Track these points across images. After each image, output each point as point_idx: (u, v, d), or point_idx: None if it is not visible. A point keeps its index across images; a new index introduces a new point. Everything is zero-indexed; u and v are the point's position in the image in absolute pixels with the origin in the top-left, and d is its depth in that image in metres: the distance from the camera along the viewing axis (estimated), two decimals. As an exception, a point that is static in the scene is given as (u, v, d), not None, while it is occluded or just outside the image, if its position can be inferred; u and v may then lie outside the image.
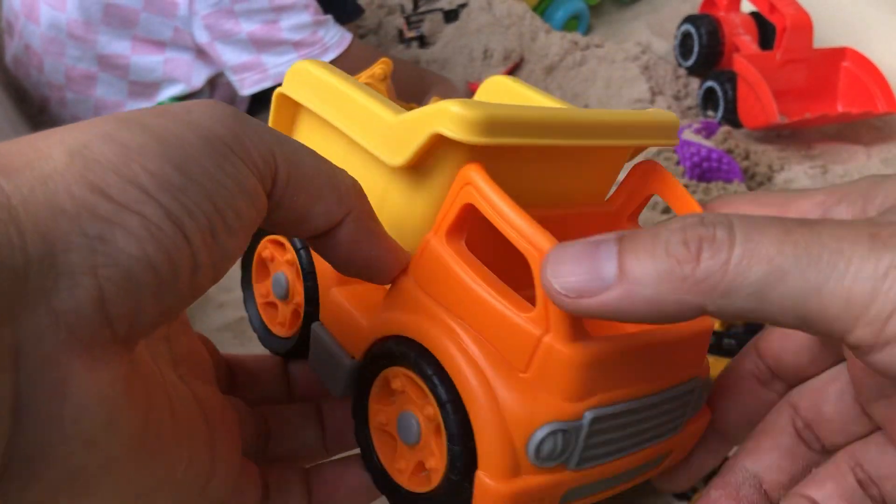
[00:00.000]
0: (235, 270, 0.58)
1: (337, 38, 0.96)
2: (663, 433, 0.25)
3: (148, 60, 0.95)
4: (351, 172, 0.25)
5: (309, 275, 0.28)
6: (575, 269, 0.20)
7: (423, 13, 1.27)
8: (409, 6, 1.30)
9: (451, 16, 1.24)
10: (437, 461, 0.24)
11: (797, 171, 1.00)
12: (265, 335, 0.31)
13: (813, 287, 0.18)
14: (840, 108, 1.05)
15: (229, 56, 0.92)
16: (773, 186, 0.98)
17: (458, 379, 0.23)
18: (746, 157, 1.00)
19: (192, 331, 0.28)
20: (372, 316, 0.26)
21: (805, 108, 1.02)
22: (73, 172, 0.18)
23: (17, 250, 0.17)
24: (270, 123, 0.31)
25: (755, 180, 0.98)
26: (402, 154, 0.24)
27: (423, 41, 1.26)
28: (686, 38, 1.19)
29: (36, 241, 0.17)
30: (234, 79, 0.94)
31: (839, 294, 0.17)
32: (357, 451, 0.27)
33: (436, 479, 0.24)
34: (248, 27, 0.91)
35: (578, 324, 0.22)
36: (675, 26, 1.22)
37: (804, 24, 1.05)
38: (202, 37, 0.93)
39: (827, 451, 0.26)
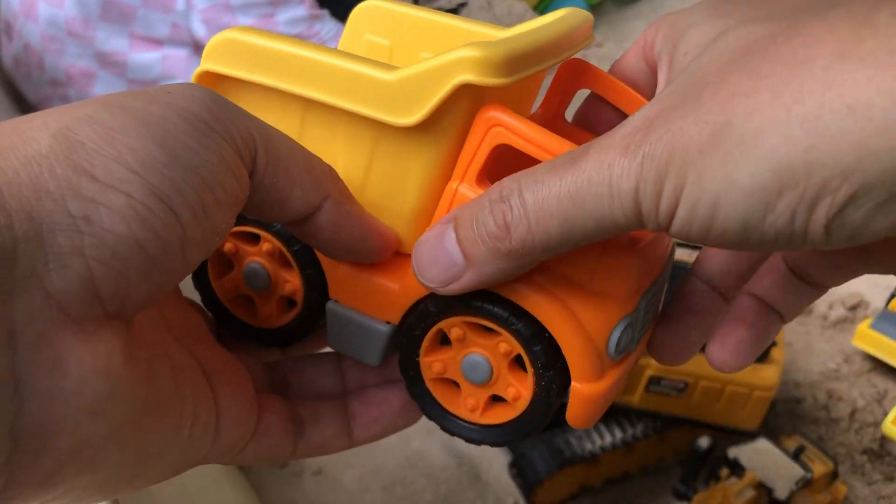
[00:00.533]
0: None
1: (333, 31, 0.96)
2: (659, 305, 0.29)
3: (146, 58, 0.95)
4: (315, 144, 0.26)
5: (311, 260, 0.28)
6: (433, 267, 0.24)
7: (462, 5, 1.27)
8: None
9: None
10: (517, 390, 0.26)
11: (798, 171, 1.00)
12: (244, 330, 0.30)
13: (597, 218, 0.21)
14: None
15: None
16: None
17: (536, 311, 0.25)
18: (747, 157, 1.00)
19: (182, 296, 0.29)
20: (403, 279, 0.26)
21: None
22: (56, 154, 0.19)
23: (4, 230, 0.17)
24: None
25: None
26: (413, 111, 0.24)
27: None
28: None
29: (22, 222, 0.18)
30: None
31: (617, 215, 0.21)
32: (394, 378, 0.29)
33: (521, 406, 0.26)
34: (244, 21, 0.92)
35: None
36: (675, 26, 1.23)
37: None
38: (200, 31, 0.93)
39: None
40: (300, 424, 0.28)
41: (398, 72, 0.24)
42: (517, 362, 0.26)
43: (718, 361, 0.28)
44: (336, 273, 0.27)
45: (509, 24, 1.00)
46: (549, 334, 0.25)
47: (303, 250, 0.28)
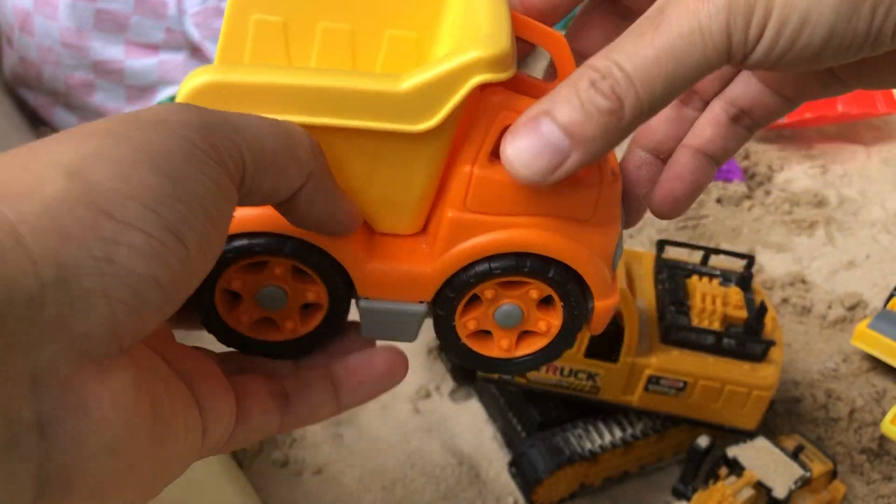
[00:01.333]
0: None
1: None
2: None
3: (142, 64, 0.95)
4: None
5: (332, 268, 0.29)
6: (537, 160, 0.25)
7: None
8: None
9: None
10: (547, 323, 0.31)
11: (797, 171, 1.00)
12: (265, 349, 0.31)
13: (694, 65, 0.23)
14: (840, 109, 1.05)
15: None
16: (773, 186, 0.98)
17: (565, 258, 0.29)
18: (746, 157, 1.00)
19: None
20: (430, 262, 0.29)
21: (805, 109, 1.02)
22: (74, 195, 0.18)
23: (31, 277, 0.17)
24: None
25: (755, 180, 0.98)
26: (429, 117, 0.25)
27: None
28: (686, 38, 1.19)
29: (48, 267, 0.18)
30: None
31: (711, 56, 0.23)
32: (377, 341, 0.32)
33: (553, 333, 0.31)
34: None
35: (613, 158, 0.30)
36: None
37: (804, 25, 1.05)
38: (194, 34, 0.94)
39: (707, 104, 0.32)
40: (284, 398, 0.29)
41: (406, 81, 0.25)
42: (542, 302, 0.31)
43: (659, 212, 0.31)
44: (363, 273, 0.29)
45: None
46: (576, 272, 0.29)
47: (321, 261, 0.28)
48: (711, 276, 0.64)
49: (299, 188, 0.24)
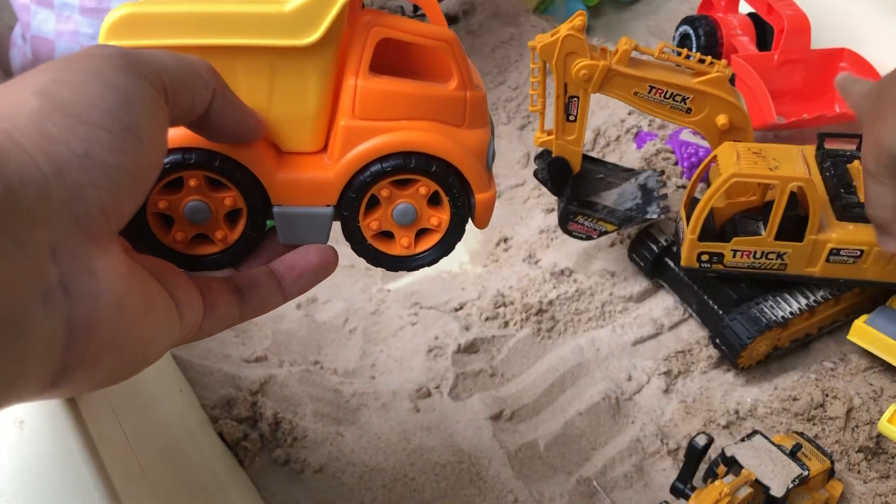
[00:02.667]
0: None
1: None
2: None
3: None
4: (224, 74, 0.31)
5: (250, 185, 0.33)
6: None
7: (423, 15, 1.28)
8: (409, 9, 1.30)
9: (452, 18, 1.24)
10: (438, 218, 0.36)
11: (795, 172, 1.01)
12: (205, 263, 0.35)
13: None
14: (837, 109, 1.05)
15: None
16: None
17: (446, 155, 0.33)
18: (744, 158, 1.01)
19: None
20: (330, 169, 0.34)
21: (803, 109, 1.03)
22: (48, 108, 0.24)
23: (34, 170, 0.23)
24: None
25: (753, 181, 0.99)
26: (313, 32, 0.31)
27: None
28: (684, 39, 1.19)
29: (46, 164, 0.23)
30: None
31: None
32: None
33: (444, 228, 0.36)
34: None
35: (476, 74, 0.35)
36: (673, 27, 1.23)
37: (802, 26, 1.06)
38: None
39: None
40: (240, 293, 0.34)
41: (288, 3, 0.30)
42: (430, 200, 0.36)
43: None
44: (274, 182, 0.34)
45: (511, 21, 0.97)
46: (455, 167, 0.34)
47: (225, 164, 0.33)
48: None
49: (209, 103, 0.29)
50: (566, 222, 0.78)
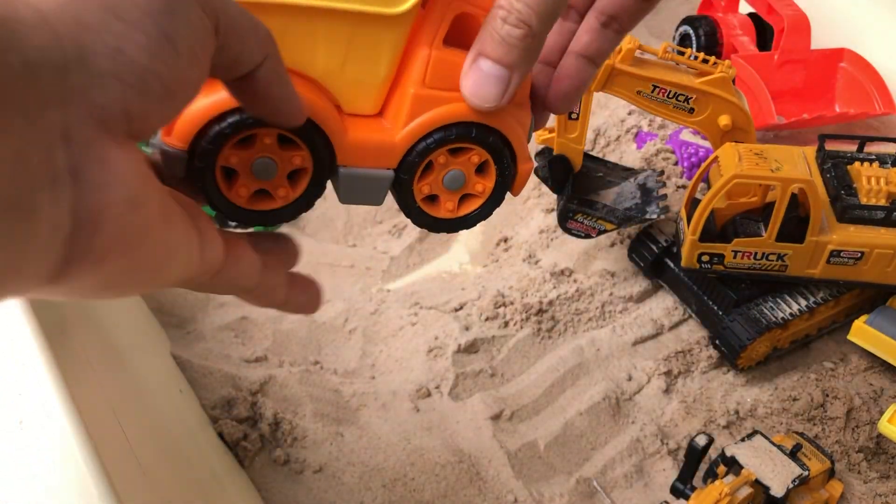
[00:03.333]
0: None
1: None
2: None
3: None
4: (295, 47, 0.32)
5: (322, 147, 0.34)
6: (487, 90, 0.33)
7: None
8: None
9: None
10: (482, 185, 0.38)
11: (795, 172, 1.01)
12: (264, 217, 0.36)
13: None
14: (837, 109, 1.05)
15: None
16: (771, 187, 0.98)
17: (501, 128, 0.36)
18: (744, 158, 1.01)
19: None
20: (395, 133, 0.35)
21: (803, 109, 1.03)
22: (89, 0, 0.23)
23: (56, 50, 0.22)
24: None
25: (753, 181, 0.99)
26: (404, 2, 0.32)
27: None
28: (684, 39, 1.19)
29: (71, 46, 0.22)
30: None
31: None
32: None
33: (486, 194, 0.38)
34: None
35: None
36: (673, 27, 1.23)
37: (802, 25, 1.06)
38: None
39: (582, 16, 0.38)
40: (262, 262, 0.33)
41: None
42: (477, 168, 0.38)
43: (554, 108, 0.38)
44: (344, 143, 0.35)
45: None
46: (508, 140, 0.36)
47: (306, 129, 0.33)
48: (871, 161, 0.75)
49: (259, 64, 0.28)
50: (566, 220, 0.78)
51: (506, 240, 0.92)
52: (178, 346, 0.73)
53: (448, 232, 0.40)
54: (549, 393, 0.75)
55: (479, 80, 0.33)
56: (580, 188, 0.80)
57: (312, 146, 0.35)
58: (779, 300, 0.75)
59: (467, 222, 0.40)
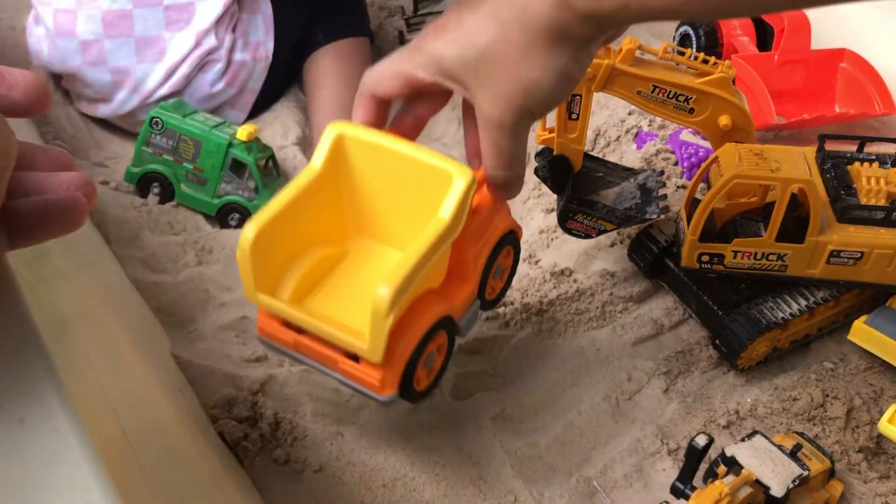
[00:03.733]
0: (235, 270, 0.59)
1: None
2: None
3: None
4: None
5: (453, 325, 0.58)
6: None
7: (423, 15, 1.28)
8: (409, 9, 1.31)
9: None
10: (504, 266, 0.62)
11: (795, 172, 1.01)
12: (431, 389, 0.58)
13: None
14: (837, 109, 1.05)
15: None
16: (771, 187, 0.98)
17: (516, 229, 0.60)
18: (745, 158, 1.01)
19: None
20: (470, 282, 0.57)
21: (803, 109, 1.03)
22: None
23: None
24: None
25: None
26: (459, 226, 0.52)
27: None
28: (684, 39, 1.19)
29: None
30: None
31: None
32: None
33: (505, 276, 0.63)
34: None
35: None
36: (673, 27, 1.23)
37: (802, 26, 1.06)
38: None
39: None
40: None
41: (443, 211, 0.51)
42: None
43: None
44: (458, 313, 0.57)
45: None
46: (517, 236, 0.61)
47: (446, 323, 0.55)
48: (870, 161, 0.75)
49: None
50: (566, 220, 0.78)
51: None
52: (179, 345, 0.73)
53: (489, 309, 0.66)
54: (549, 393, 0.75)
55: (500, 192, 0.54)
56: (580, 188, 0.80)
57: (450, 332, 0.55)
58: (779, 300, 0.75)
59: (500, 297, 0.63)
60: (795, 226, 0.71)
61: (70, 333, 0.47)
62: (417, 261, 0.48)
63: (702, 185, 0.80)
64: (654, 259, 0.80)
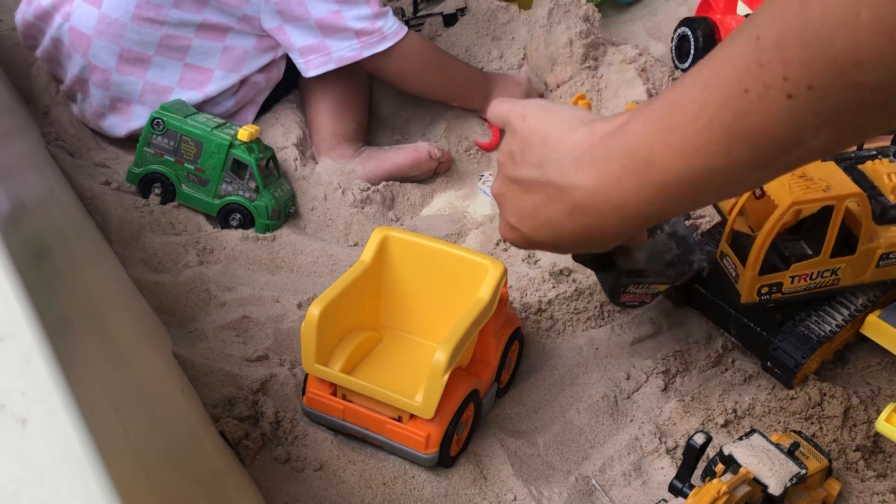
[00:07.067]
0: (236, 270, 0.59)
1: (395, 27, 1.00)
2: None
3: (209, 45, 0.97)
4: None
5: (479, 400, 0.69)
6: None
7: (422, 17, 1.28)
8: (408, 10, 1.31)
9: (450, 20, 1.25)
10: (512, 359, 0.74)
11: (794, 172, 1.01)
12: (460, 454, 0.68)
13: None
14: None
15: (297, 39, 0.97)
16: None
17: (519, 325, 0.74)
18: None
19: None
20: (495, 357, 0.70)
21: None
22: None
23: None
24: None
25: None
26: (491, 309, 0.65)
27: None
28: (683, 40, 1.20)
29: None
30: (300, 61, 0.99)
31: None
32: None
33: (511, 368, 0.74)
34: (316, 14, 0.96)
35: None
36: (671, 29, 1.23)
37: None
38: (271, 22, 0.96)
39: None
40: None
41: (482, 293, 0.64)
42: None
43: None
44: (485, 388, 0.70)
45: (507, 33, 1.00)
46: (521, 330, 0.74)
47: (473, 398, 0.67)
48: (876, 158, 0.75)
49: None
50: (618, 296, 0.71)
51: (505, 240, 0.92)
52: (180, 345, 0.73)
53: (502, 396, 0.73)
54: (548, 392, 0.75)
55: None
56: (614, 254, 0.71)
57: (477, 406, 0.66)
58: (821, 313, 0.73)
59: (506, 387, 0.73)
60: (844, 240, 0.70)
61: (71, 333, 0.48)
62: (465, 330, 0.59)
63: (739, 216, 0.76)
64: (682, 287, 0.77)
